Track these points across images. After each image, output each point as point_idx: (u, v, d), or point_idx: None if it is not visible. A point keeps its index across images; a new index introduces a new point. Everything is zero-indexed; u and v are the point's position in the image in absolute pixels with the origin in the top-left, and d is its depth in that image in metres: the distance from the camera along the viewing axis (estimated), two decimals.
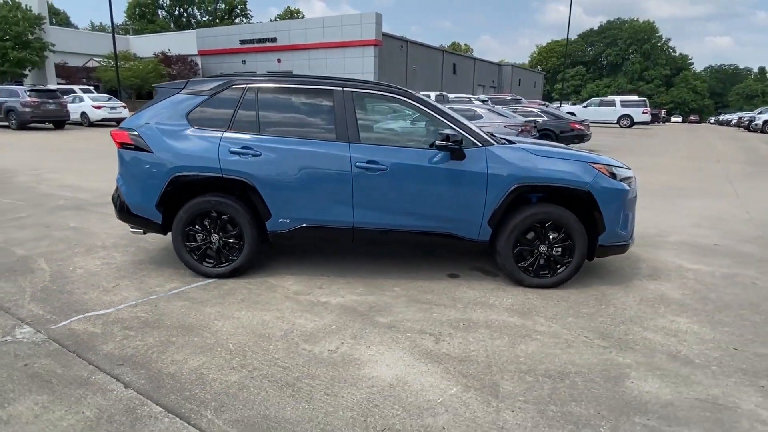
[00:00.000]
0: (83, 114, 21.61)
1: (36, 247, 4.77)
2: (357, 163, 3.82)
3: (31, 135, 17.40)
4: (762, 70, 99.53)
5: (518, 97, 29.32)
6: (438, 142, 3.71)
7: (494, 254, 4.02)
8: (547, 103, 37.00)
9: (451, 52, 57.42)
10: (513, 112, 15.24)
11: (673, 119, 67.63)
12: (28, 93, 18.08)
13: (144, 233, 4.30)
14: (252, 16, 76.60)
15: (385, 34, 38.71)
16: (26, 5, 32.63)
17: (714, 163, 13.66)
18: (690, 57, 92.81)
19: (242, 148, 3.85)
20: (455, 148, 3.77)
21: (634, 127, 29.87)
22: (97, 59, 38.23)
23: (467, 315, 3.52)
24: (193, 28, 57.74)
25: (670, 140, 23.19)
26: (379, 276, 4.22)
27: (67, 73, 37.27)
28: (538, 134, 13.62)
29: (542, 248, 3.94)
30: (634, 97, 31.03)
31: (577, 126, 14.62)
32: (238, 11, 75.18)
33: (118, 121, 18.49)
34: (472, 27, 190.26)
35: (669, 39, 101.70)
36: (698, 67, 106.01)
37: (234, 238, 4.00)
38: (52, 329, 3.17)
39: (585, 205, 3.88)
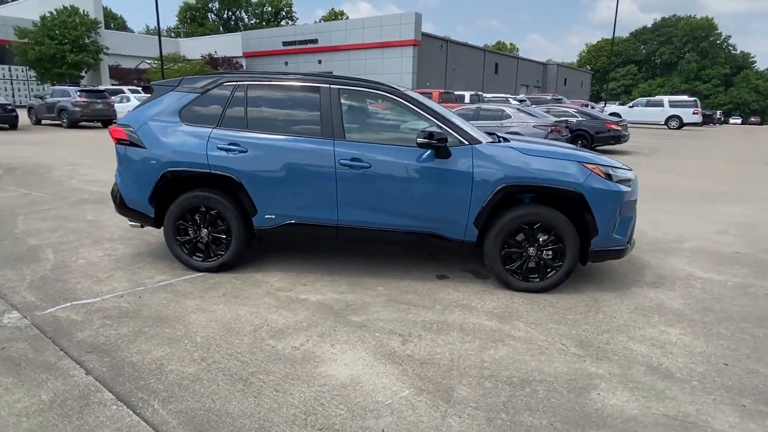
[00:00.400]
0: None
1: (48, 238, 5.02)
2: (341, 161, 3.80)
3: (79, 133, 18.37)
4: None
5: (559, 97, 28.54)
6: (419, 140, 3.63)
7: (483, 256, 3.91)
8: (591, 103, 35.85)
9: (493, 51, 56.56)
10: (546, 112, 14.83)
11: (731, 121, 63.93)
12: (78, 93, 19.11)
13: (142, 227, 4.43)
14: (297, 18, 78.09)
15: (424, 34, 38.56)
16: (84, 10, 34.49)
17: (762, 167, 12.80)
18: (752, 55, 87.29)
19: (229, 144, 3.91)
20: (439, 146, 3.68)
21: (684, 128, 28.43)
22: (148, 61, 39.94)
23: (444, 317, 3.43)
24: (241, 31, 59.32)
25: (720, 143, 21.92)
26: (365, 275, 4.18)
27: (120, 75, 39.16)
28: (570, 134, 13.21)
29: (531, 251, 3.80)
30: (684, 97, 29.52)
31: (613, 126, 14.06)
32: (284, 14, 76.85)
33: None
34: (520, 26, 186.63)
35: (729, 36, 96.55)
36: (761, 65, 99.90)
37: (222, 233, 4.07)
38: (38, 315, 3.31)
39: (577, 206, 3.71)
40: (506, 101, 23.38)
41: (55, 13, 33.14)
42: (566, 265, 3.77)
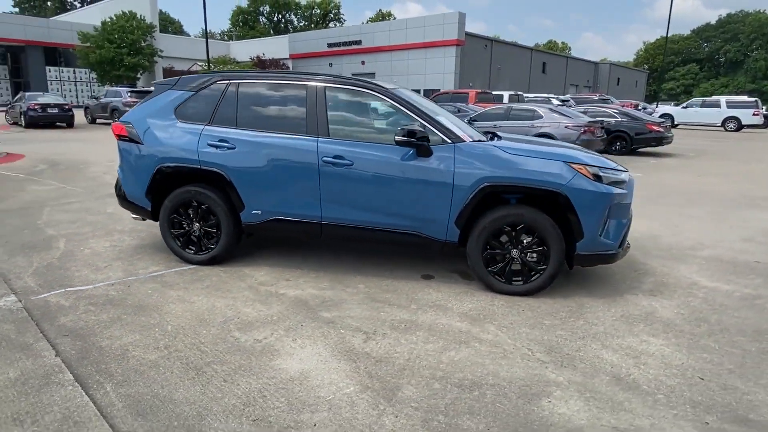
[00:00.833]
0: None
1: (65, 229, 5.33)
2: (324, 158, 3.83)
3: None
4: None
5: (606, 97, 27.47)
6: (396, 138, 3.61)
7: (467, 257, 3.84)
8: (643, 104, 34.31)
9: (540, 50, 55.16)
10: (583, 112, 14.34)
11: None
12: (129, 94, 20.14)
13: (144, 219, 4.62)
14: (344, 20, 78.99)
15: (468, 34, 38.11)
16: (141, 15, 36.32)
17: None
18: None
19: (219, 141, 4.02)
20: (419, 145, 3.65)
21: (743, 131, 26.69)
22: (199, 63, 41.57)
23: (415, 317, 3.39)
24: (290, 34, 60.72)
25: None
26: (351, 272, 4.19)
27: (173, 76, 40.91)
28: (605, 135, 12.73)
29: (514, 253, 3.69)
30: (744, 98, 27.70)
31: (654, 128, 13.40)
32: (332, 16, 78.01)
33: None
34: (574, 25, 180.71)
35: None
36: None
37: (213, 227, 4.19)
38: (31, 300, 3.53)
39: (561, 208, 3.57)
40: (547, 101, 22.77)
41: (114, 18, 35.05)
42: (550, 268, 3.64)
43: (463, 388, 2.57)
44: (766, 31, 77.23)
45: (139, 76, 37.12)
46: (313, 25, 74.23)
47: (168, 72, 41.44)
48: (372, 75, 41.76)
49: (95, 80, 38.22)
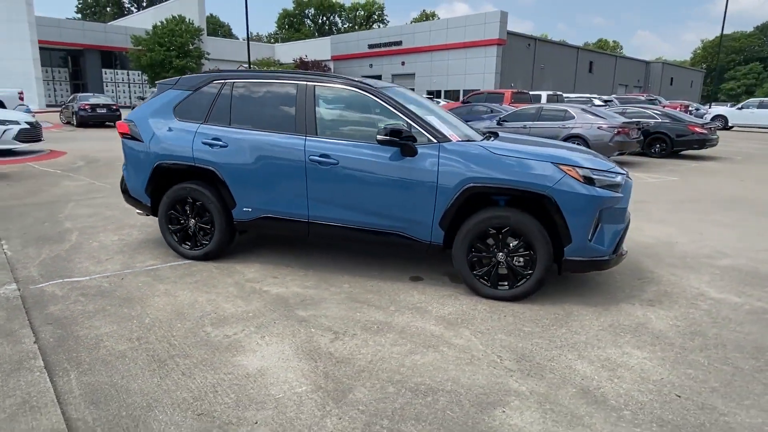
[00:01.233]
0: None
1: (82, 222, 5.58)
2: (311, 157, 3.84)
3: None
4: None
5: (654, 98, 26.25)
6: (378, 137, 3.56)
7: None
8: (696, 104, 32.63)
9: (587, 49, 53.42)
10: (621, 113, 13.79)
11: None
12: None
13: (147, 215, 4.78)
14: (388, 22, 79.29)
15: (510, 33, 37.42)
16: (189, 19, 37.73)
17: None
18: None
19: (212, 139, 4.10)
20: (402, 144, 3.59)
21: None
22: (244, 65, 42.76)
23: (390, 319, 3.34)
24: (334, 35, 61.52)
25: None
26: (341, 272, 4.18)
27: None
28: (642, 137, 12.19)
29: (500, 256, 3.57)
30: None
31: (697, 129, 12.69)
32: (376, 17, 78.47)
33: None
34: (627, 22, 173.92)
35: None
36: None
37: (207, 224, 4.28)
38: (29, 289, 3.71)
39: (549, 211, 3.43)
40: (588, 101, 22.01)
41: (164, 22, 36.58)
42: (537, 273, 3.50)
43: (417, 393, 2.50)
44: None
45: None
46: (357, 27, 74.91)
47: None
48: (412, 76, 41.76)
49: (146, 82, 39.99)
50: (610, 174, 3.54)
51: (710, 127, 12.90)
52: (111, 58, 42.93)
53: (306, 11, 77.15)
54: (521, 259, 3.55)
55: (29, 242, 4.82)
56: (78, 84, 41.86)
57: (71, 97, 23.14)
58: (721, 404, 2.46)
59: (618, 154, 11.49)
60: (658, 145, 13.06)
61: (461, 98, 28.05)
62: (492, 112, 15.85)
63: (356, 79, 4.02)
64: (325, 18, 78.69)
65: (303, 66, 44.11)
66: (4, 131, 9.69)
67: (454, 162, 3.56)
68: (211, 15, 74.71)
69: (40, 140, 10.88)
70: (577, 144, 11.33)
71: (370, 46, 44.43)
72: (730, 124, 25.52)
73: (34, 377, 2.57)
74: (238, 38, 77.20)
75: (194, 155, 4.13)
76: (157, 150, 4.26)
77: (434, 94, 37.33)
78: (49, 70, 40.36)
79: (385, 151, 3.69)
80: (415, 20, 77.77)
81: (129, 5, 73.28)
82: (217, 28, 74.25)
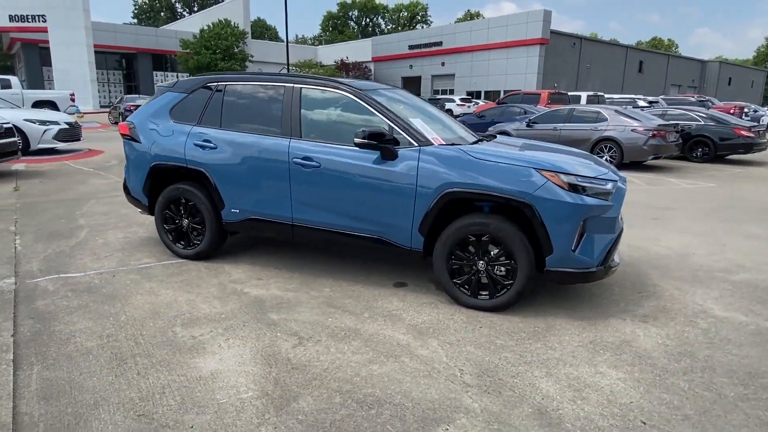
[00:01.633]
0: None
1: (95, 220, 5.81)
2: (294, 159, 3.82)
3: None
4: None
5: (705, 98, 24.87)
6: (355, 140, 3.50)
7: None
8: (756, 107, 30.68)
9: (637, 48, 51.24)
10: (660, 115, 13.14)
11: None
12: None
13: (150, 213, 4.91)
14: (431, 22, 78.89)
15: (554, 32, 36.43)
16: (235, 23, 38.84)
17: None
18: None
19: (203, 141, 4.16)
20: (381, 147, 3.52)
21: None
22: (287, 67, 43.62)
23: (361, 325, 3.27)
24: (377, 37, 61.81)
25: None
26: (324, 275, 4.15)
27: None
28: (680, 140, 11.58)
29: (480, 265, 3.44)
30: None
31: (743, 133, 11.91)
32: (419, 18, 78.28)
33: None
34: (686, 20, 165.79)
35: None
36: None
37: (199, 224, 4.35)
38: (26, 283, 3.88)
39: (529, 219, 3.27)
40: (633, 102, 21.11)
41: (211, 26, 37.81)
42: (517, 284, 3.35)
43: (363, 405, 2.43)
44: None
45: None
46: (400, 28, 74.92)
47: None
48: (451, 76, 41.37)
49: None
50: (599, 181, 3.34)
51: (758, 131, 12.08)
52: (162, 60, 44.76)
53: (350, 13, 77.88)
54: (502, 269, 3.40)
55: (40, 238, 5.05)
56: (131, 86, 43.89)
57: (119, 98, 24.28)
58: None
59: (653, 158, 10.95)
60: (699, 149, 12.35)
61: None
62: (525, 113, 15.47)
63: (342, 81, 3.98)
64: (368, 20, 79.18)
65: (343, 68, 44.57)
66: (45, 131, 10.25)
67: (433, 167, 3.45)
68: (258, 18, 76.65)
69: (79, 139, 11.44)
70: (609, 147, 10.89)
71: (411, 47, 44.31)
72: None
73: (1, 369, 2.67)
74: (283, 41, 79.00)
75: (186, 156, 4.20)
76: (153, 151, 4.36)
77: (473, 95, 36.84)
78: (105, 73, 42.53)
79: (367, 154, 3.63)
80: (459, 20, 77.12)
81: (182, 10, 76.22)
82: (264, 31, 76.05)
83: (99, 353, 2.87)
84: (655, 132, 10.61)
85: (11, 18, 30.55)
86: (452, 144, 3.65)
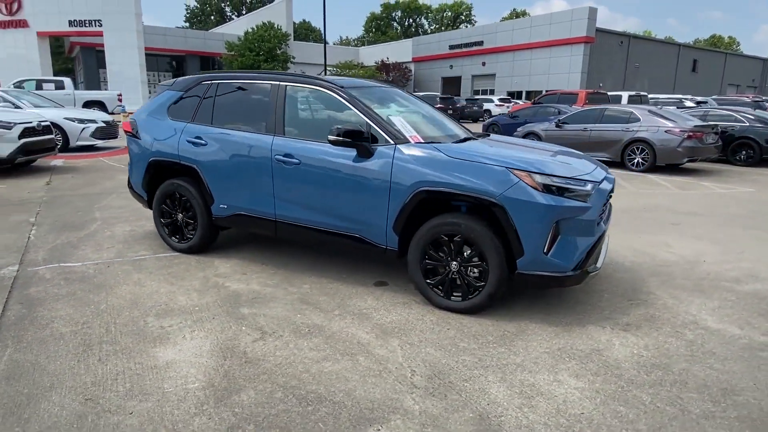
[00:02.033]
0: None
1: (109, 213, 6.07)
2: (276, 156, 3.87)
3: None
4: None
5: (761, 99, 23.41)
6: (329, 137, 3.50)
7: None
8: None
9: (691, 46, 48.73)
10: (701, 115, 12.47)
11: None
12: None
13: (149, 207, 5.08)
14: (475, 22, 77.89)
15: (600, 30, 35.23)
16: (278, 25, 39.72)
17: None
18: None
19: (195, 138, 4.28)
20: (355, 145, 3.51)
21: None
22: (329, 68, 44.20)
23: (328, 323, 3.27)
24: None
25: None
26: (308, 272, 4.17)
27: None
28: (720, 142, 10.96)
29: (453, 266, 3.37)
30: None
31: None
32: (463, 17, 77.48)
33: None
34: (752, 16, 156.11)
35: None
36: None
37: (192, 219, 4.47)
38: (27, 270, 4.10)
39: (500, 219, 3.17)
40: (680, 102, 20.12)
41: (255, 28, 38.82)
42: (489, 286, 3.25)
43: (302, 401, 2.42)
44: None
45: None
46: (443, 28, 74.35)
47: None
48: (492, 76, 40.73)
49: None
50: (576, 181, 3.20)
51: None
52: (209, 62, 46.33)
53: (393, 14, 77.99)
54: (475, 270, 3.32)
55: (54, 228, 5.33)
56: None
57: None
58: None
59: (689, 161, 10.39)
60: (744, 152, 11.62)
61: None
62: (559, 113, 15.03)
63: (325, 78, 3.99)
64: (411, 20, 79.05)
65: (384, 68, 44.71)
66: (83, 129, 10.82)
67: (407, 165, 3.41)
68: (304, 20, 78.13)
69: (116, 137, 12.00)
70: (641, 149, 10.42)
71: (451, 47, 43.94)
72: None
73: None
74: (329, 43, 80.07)
75: (179, 153, 4.33)
76: (151, 147, 4.52)
77: (514, 95, 36.13)
78: (155, 74, 44.42)
79: (345, 152, 3.62)
80: (504, 19, 75.81)
81: (230, 13, 78.62)
82: (309, 33, 77.33)
83: (70, 339, 2.99)
84: (691, 133, 10.06)
85: (71, 23, 32.40)
86: (431, 142, 3.59)
